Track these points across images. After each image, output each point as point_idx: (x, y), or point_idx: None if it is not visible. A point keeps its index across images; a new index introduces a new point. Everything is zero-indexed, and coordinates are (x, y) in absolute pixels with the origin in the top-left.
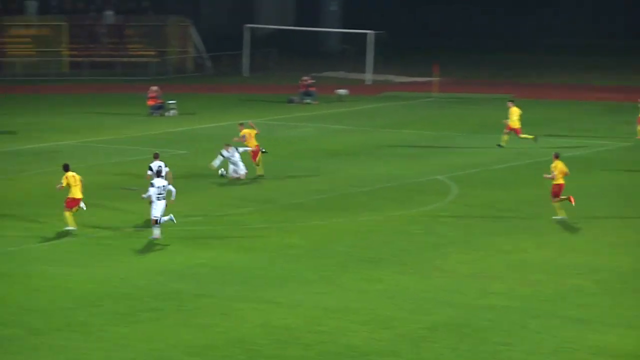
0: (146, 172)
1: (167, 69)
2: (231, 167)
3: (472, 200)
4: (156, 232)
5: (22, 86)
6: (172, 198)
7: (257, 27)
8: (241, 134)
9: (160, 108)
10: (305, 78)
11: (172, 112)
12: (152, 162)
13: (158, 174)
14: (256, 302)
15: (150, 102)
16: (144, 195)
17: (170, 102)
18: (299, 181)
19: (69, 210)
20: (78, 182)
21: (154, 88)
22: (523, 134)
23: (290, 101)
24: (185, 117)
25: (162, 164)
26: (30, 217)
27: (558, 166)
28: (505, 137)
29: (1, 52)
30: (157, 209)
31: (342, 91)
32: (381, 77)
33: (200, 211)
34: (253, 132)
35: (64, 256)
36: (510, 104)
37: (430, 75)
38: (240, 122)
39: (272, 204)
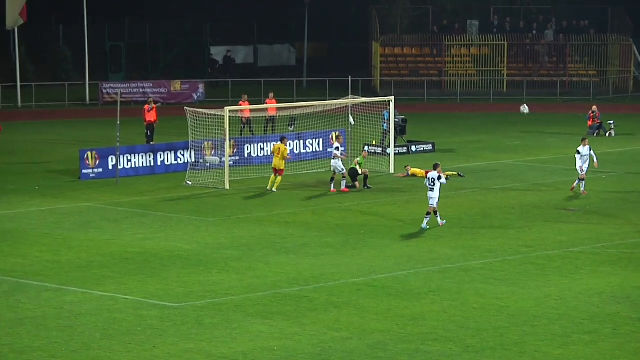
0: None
1: (607, 89)
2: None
3: None
4: (424, 222)
5: (461, 105)
6: (444, 182)
7: None
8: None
9: (599, 128)
10: None
11: (611, 132)
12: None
13: (435, 167)
14: None
15: (589, 122)
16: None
17: (610, 122)
18: None
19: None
20: (279, 153)
21: (594, 108)
22: None
23: None
24: (623, 138)
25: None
26: (464, 235)
27: None
28: None
29: (442, 71)
30: (431, 199)
31: None
32: None
33: (639, 233)
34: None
35: (498, 274)
36: None
37: None
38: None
39: None
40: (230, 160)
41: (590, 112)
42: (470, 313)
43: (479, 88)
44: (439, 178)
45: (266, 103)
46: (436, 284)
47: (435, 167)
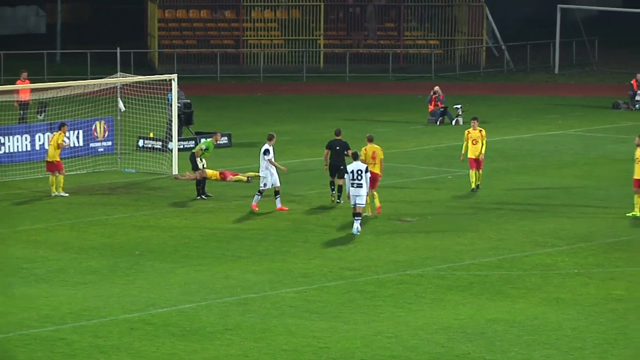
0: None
1: (452, 64)
2: None
3: None
4: (354, 226)
5: (265, 84)
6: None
7: (573, 9)
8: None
9: (444, 114)
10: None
11: (458, 119)
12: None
13: (354, 156)
14: None
15: (431, 107)
16: None
17: (456, 106)
18: (623, 212)
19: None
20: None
21: (436, 88)
22: None
23: (617, 106)
24: None
25: None
26: (270, 255)
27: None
28: None
29: (240, 40)
30: (358, 197)
31: None
32: None
33: (495, 250)
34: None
35: (314, 306)
36: None
37: None
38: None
39: (587, 243)
40: None
41: (432, 93)
42: (279, 356)
43: (288, 63)
44: (366, 170)
45: (17, 84)
46: (234, 319)
47: (355, 157)
